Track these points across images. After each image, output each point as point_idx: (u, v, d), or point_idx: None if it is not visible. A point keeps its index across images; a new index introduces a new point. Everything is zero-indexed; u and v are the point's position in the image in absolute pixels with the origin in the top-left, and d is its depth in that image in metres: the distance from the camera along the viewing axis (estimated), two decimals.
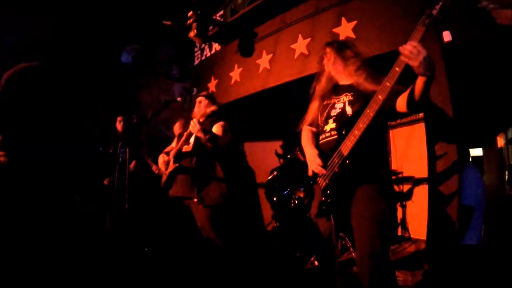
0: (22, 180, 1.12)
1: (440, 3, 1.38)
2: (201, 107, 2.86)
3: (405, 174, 4.00)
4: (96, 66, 4.49)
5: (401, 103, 1.65)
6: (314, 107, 2.04)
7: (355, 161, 1.70)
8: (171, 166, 2.73)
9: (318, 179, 1.87)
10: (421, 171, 3.32)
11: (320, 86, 2.01)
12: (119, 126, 4.18)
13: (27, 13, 4.04)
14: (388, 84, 1.54)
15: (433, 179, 2.58)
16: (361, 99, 1.79)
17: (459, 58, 2.79)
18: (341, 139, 1.75)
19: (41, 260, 1.14)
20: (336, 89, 1.98)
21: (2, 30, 3.86)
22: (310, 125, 2.08)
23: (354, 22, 3.18)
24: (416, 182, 3.74)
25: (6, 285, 1.03)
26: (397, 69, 1.51)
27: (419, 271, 2.56)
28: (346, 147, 1.70)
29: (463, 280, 2.30)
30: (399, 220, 3.85)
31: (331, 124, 1.88)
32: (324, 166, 1.82)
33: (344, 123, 1.78)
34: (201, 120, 2.75)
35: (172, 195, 2.70)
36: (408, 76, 1.53)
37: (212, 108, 2.86)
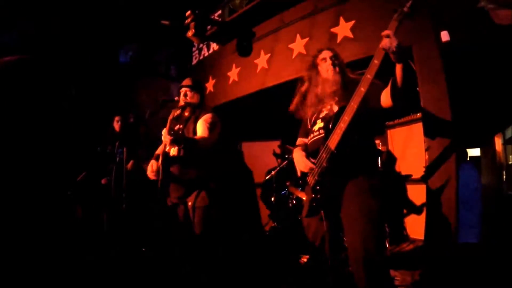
0: (15, 181, 1.10)
1: (410, 1, 1.60)
2: (187, 100, 2.60)
3: (403, 174, 4.01)
4: (94, 65, 4.48)
5: (385, 97, 1.72)
6: (307, 117, 2.06)
7: (343, 154, 1.72)
8: (161, 175, 2.51)
9: (307, 178, 1.87)
10: (419, 170, 3.32)
11: (314, 94, 1.99)
12: (116, 125, 4.16)
13: (26, 12, 4.02)
14: (368, 76, 1.63)
15: (431, 179, 2.57)
16: (347, 98, 1.79)
17: (457, 58, 2.79)
18: (328, 135, 1.77)
19: (39, 259, 1.13)
20: (324, 97, 1.97)
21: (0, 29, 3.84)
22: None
23: (352, 22, 3.18)
24: (414, 181, 3.75)
25: (6, 285, 1.02)
26: (376, 61, 1.61)
27: (417, 271, 2.56)
28: (333, 141, 1.72)
29: (461, 280, 2.30)
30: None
31: (319, 124, 1.92)
32: (312, 163, 1.84)
33: (330, 119, 1.81)
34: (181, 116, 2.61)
35: (169, 203, 2.54)
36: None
37: (194, 100, 2.62)
